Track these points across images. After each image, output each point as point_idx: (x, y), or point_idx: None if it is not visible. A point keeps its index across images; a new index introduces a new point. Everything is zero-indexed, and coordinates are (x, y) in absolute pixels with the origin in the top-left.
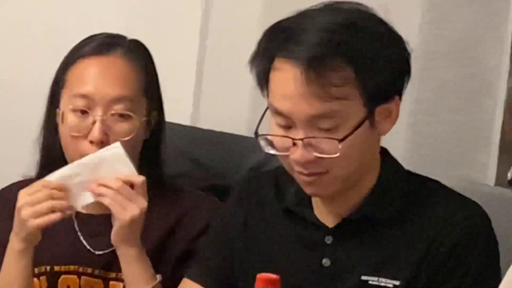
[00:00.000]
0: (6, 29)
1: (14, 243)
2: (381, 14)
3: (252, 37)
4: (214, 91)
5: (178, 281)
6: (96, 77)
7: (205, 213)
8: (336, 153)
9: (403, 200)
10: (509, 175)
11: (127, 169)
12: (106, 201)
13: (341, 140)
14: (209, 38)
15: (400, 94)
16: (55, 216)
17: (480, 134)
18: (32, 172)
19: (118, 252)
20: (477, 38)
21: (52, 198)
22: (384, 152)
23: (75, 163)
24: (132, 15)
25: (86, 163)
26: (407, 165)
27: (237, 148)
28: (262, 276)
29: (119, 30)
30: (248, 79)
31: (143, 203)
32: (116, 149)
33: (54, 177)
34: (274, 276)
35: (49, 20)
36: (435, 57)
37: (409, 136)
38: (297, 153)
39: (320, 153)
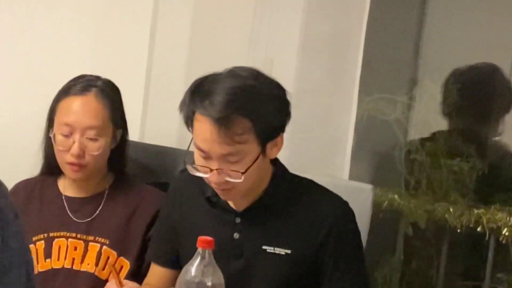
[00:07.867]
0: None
1: None
2: (268, 64)
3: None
4: (155, 116)
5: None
6: (76, 112)
7: (153, 201)
8: (240, 179)
9: (288, 195)
10: None
11: None
12: None
13: (243, 173)
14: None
15: (283, 130)
16: None
17: (338, 144)
18: (35, 173)
19: None
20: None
21: None
22: (275, 161)
23: None
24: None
25: None
26: (288, 167)
27: (170, 156)
28: (202, 238)
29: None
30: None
31: None
32: None
33: None
34: (209, 238)
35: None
36: (306, 93)
37: (289, 147)
38: (213, 177)
39: (229, 178)
